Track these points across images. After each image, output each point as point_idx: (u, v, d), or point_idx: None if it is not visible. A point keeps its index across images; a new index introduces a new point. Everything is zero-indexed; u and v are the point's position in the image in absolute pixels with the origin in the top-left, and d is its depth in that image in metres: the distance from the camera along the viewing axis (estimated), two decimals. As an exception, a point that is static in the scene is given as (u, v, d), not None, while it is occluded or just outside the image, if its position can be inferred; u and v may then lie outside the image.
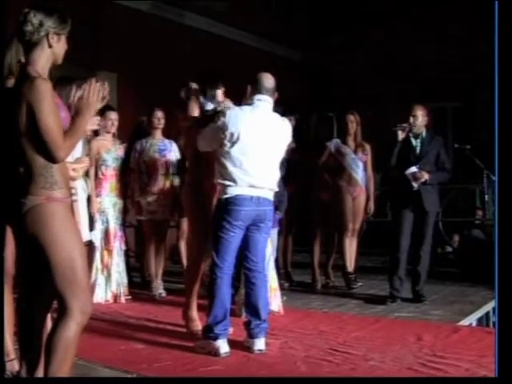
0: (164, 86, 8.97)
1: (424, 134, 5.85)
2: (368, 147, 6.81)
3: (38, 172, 2.64)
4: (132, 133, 6.65)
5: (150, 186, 6.25)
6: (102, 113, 5.45)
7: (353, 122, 6.73)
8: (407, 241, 5.81)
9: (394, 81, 11.95)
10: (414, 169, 5.69)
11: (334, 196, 6.69)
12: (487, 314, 5.56)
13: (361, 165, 6.72)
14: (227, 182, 4.09)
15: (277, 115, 4.37)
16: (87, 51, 8.47)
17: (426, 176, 5.67)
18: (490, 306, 5.62)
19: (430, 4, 11.86)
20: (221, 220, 4.12)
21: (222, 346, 4.07)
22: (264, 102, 4.24)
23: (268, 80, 4.28)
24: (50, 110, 2.59)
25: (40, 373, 2.79)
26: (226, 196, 4.10)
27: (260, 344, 4.14)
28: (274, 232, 5.84)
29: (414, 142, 5.81)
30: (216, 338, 4.07)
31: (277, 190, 4.37)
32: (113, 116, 6.13)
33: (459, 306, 5.55)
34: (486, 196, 8.38)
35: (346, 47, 12.79)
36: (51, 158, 2.63)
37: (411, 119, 5.76)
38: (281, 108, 4.68)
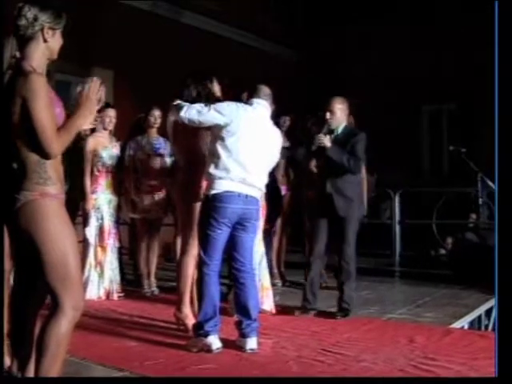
0: (160, 84, 8.98)
1: (340, 129, 5.34)
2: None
3: (32, 168, 2.63)
4: (130, 130, 6.61)
5: (145, 185, 6.24)
6: (99, 110, 5.44)
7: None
8: (322, 246, 5.33)
9: (391, 82, 11.96)
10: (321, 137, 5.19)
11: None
12: (479, 317, 5.58)
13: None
14: (218, 173, 4.08)
15: (272, 124, 4.44)
16: (84, 48, 8.46)
17: (327, 142, 5.13)
18: (482, 309, 5.64)
19: (429, 6, 11.88)
20: (207, 217, 4.13)
21: (214, 341, 4.07)
22: (262, 107, 4.31)
23: (266, 88, 4.38)
24: (45, 105, 2.59)
25: (31, 368, 2.79)
26: (213, 192, 4.09)
27: (252, 343, 4.14)
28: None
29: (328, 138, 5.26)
30: (207, 334, 4.08)
31: (264, 191, 4.39)
32: (111, 113, 6.12)
33: (452, 309, 5.56)
34: (480, 199, 8.41)
35: (343, 48, 12.81)
36: (44, 154, 2.62)
37: (328, 114, 5.27)
38: (276, 107, 4.68)
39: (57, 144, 2.62)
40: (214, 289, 4.17)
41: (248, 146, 4.12)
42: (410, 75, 11.86)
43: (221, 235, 4.12)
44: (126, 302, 5.96)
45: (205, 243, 4.16)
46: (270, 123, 4.40)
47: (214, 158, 4.13)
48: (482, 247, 7.40)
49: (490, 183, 7.97)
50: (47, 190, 2.65)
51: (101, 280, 6.03)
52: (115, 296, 6.05)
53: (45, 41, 2.73)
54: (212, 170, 4.13)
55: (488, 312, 5.74)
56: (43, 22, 2.71)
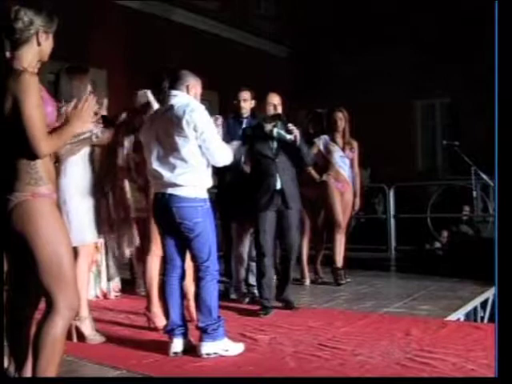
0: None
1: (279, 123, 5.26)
2: (355, 144, 6.81)
3: (24, 169, 2.64)
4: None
5: (138, 184, 6.22)
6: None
7: (341, 119, 6.72)
8: (271, 241, 5.26)
9: (384, 78, 11.98)
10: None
11: (322, 192, 6.68)
12: (475, 309, 5.60)
13: (348, 162, 6.73)
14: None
15: (185, 105, 4.00)
16: (77, 48, 8.44)
17: (296, 133, 5.10)
18: (477, 301, 5.66)
19: (423, 3, 11.90)
20: None
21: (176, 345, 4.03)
22: (173, 97, 4.10)
23: (182, 74, 4.16)
24: (35, 104, 2.59)
25: (29, 369, 2.79)
26: None
27: (203, 348, 3.95)
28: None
29: (273, 130, 5.20)
30: (172, 337, 4.05)
31: (194, 185, 4.01)
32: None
33: (447, 302, 5.58)
34: (474, 192, 8.44)
35: (335, 44, 12.82)
36: (32, 153, 2.62)
37: (271, 109, 5.22)
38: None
39: (45, 144, 2.62)
40: (176, 296, 4.12)
41: (152, 150, 4.07)
42: (402, 70, 11.90)
43: (164, 238, 4.13)
44: (123, 301, 5.98)
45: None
46: (176, 109, 3.99)
47: None
48: (477, 240, 7.44)
49: (484, 176, 7.99)
50: (39, 190, 2.66)
51: (97, 280, 6.04)
52: (112, 295, 6.06)
53: (39, 44, 2.75)
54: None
55: (483, 304, 5.77)
56: (38, 26, 2.73)
